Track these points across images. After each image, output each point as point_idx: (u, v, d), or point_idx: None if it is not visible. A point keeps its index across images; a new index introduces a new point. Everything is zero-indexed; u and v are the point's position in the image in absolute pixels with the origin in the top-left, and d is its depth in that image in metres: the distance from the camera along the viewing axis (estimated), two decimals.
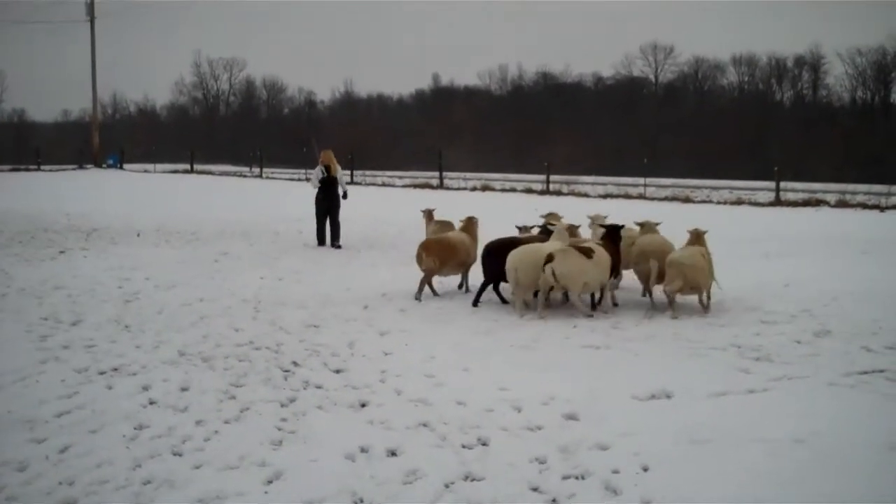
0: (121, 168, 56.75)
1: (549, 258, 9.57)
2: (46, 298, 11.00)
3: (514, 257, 10.00)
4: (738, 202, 28.30)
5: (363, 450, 5.69)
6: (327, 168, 17.13)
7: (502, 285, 10.99)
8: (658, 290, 10.58)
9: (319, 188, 17.22)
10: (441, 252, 11.38)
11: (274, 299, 11.05)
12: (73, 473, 5.29)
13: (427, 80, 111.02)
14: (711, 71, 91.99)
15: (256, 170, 50.87)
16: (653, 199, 30.08)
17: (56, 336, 8.89)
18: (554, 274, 9.51)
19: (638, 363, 7.87)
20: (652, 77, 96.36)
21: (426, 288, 11.38)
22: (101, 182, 38.10)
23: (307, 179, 39.39)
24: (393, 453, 5.66)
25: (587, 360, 8.00)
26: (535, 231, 12.28)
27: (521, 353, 8.27)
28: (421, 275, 11.31)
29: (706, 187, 36.01)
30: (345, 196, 17.43)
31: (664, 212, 24.89)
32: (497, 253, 10.59)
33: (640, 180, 34.60)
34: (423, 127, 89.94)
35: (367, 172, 43.98)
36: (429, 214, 14.52)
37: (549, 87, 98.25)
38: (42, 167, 54.13)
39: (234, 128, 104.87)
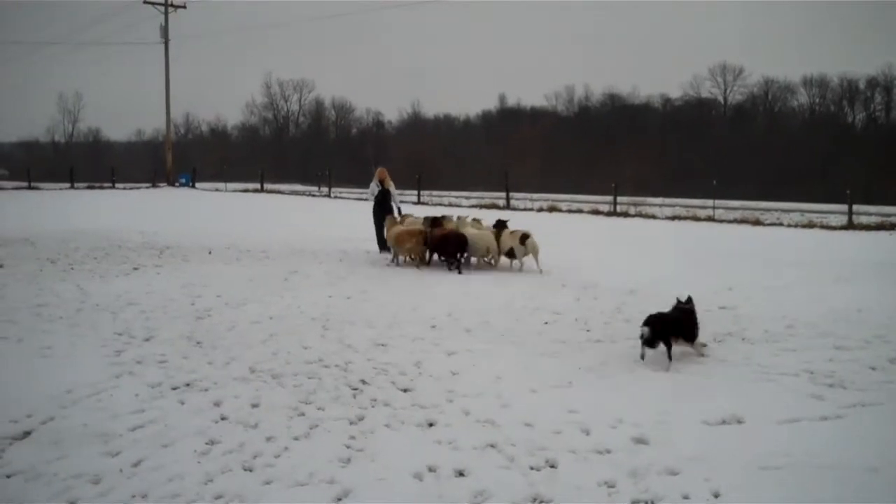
0: (193, 187, 57.64)
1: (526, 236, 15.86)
2: (120, 314, 11.20)
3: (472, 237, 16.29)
4: (810, 225, 27.79)
5: (431, 469, 5.70)
6: (381, 182, 19.53)
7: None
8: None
9: (376, 201, 19.54)
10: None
11: (342, 318, 11.12)
12: (145, 487, 5.38)
13: (494, 100, 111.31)
14: (782, 92, 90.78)
15: (325, 189, 51.27)
16: (722, 221, 29.66)
17: (130, 351, 9.05)
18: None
19: (708, 387, 7.76)
20: (721, 98, 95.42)
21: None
22: (174, 200, 38.75)
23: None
24: (461, 473, 5.66)
25: (656, 384, 7.91)
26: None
27: (589, 376, 8.21)
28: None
29: (776, 210, 35.45)
30: (399, 209, 19.23)
31: (733, 234, 24.61)
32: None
33: (709, 202, 34.18)
34: (489, 147, 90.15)
35: (434, 192, 44.10)
36: (391, 220, 17.94)
37: (616, 109, 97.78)
38: (117, 185, 55.33)
39: (303, 148, 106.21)
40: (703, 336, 9.90)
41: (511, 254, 16.38)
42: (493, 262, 16.85)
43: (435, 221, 17.30)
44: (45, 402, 7.09)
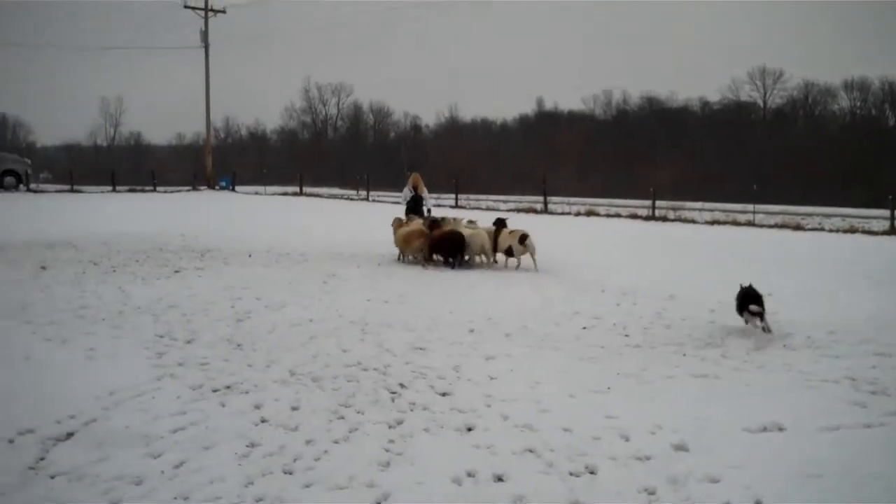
0: (233, 190, 58.14)
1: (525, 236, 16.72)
2: (162, 316, 11.30)
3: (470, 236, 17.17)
4: (852, 230, 27.49)
5: (470, 474, 5.70)
6: (415, 188, 20.61)
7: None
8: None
9: (408, 206, 20.56)
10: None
11: (380, 321, 11.16)
12: (187, 489, 5.42)
13: (531, 104, 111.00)
14: (822, 96, 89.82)
15: (363, 193, 51.48)
16: (762, 226, 29.44)
17: (171, 353, 9.12)
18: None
19: (748, 394, 7.70)
20: (760, 102, 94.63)
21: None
22: (215, 203, 39.07)
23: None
24: (500, 478, 5.65)
25: (696, 390, 7.86)
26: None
27: (628, 381, 8.17)
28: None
29: (817, 214, 35.16)
30: (429, 212, 20.12)
31: (774, 239, 24.39)
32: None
33: (749, 206, 33.94)
34: (526, 151, 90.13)
35: (472, 196, 44.16)
36: (398, 222, 18.81)
37: (654, 112, 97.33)
38: (158, 188, 55.91)
39: (341, 151, 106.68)
40: (743, 343, 9.88)
41: (510, 252, 17.23)
42: (486, 260, 17.65)
43: (434, 223, 18.18)
44: (88, 403, 7.16)
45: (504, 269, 17.01)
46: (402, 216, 19.72)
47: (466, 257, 17.55)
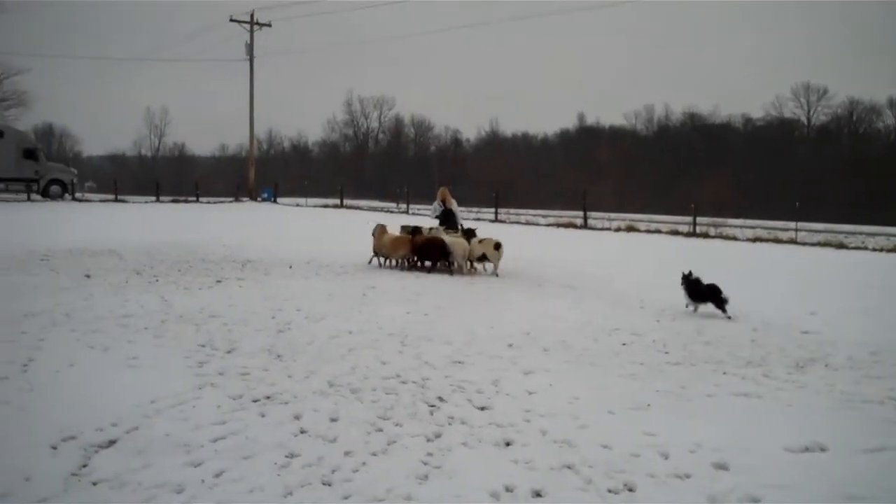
0: (275, 202, 58.55)
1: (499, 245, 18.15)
2: (203, 326, 11.39)
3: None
4: (895, 249, 27.17)
5: (508, 489, 5.69)
6: (443, 202, 20.98)
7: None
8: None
9: (440, 219, 20.86)
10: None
11: (420, 334, 11.17)
12: (227, 498, 5.45)
13: (572, 119, 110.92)
14: (867, 114, 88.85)
15: (403, 206, 51.63)
16: (804, 243, 29.16)
17: (212, 363, 9.19)
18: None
19: (790, 414, 7.62)
20: (804, 119, 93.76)
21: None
22: (256, 215, 39.35)
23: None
24: (538, 494, 5.64)
25: (737, 409, 7.79)
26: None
27: (668, 399, 8.11)
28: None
29: (861, 233, 34.73)
30: (461, 226, 20.43)
31: (816, 257, 24.14)
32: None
33: (791, 224, 33.63)
34: (567, 166, 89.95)
35: (511, 210, 44.13)
36: (381, 228, 19.58)
37: (696, 128, 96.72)
38: (200, 199, 56.45)
39: (382, 164, 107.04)
40: (784, 362, 9.77)
41: (482, 259, 18.60)
42: (466, 266, 18.69)
43: (415, 230, 19.42)
44: (130, 411, 7.23)
45: (527, 284, 16.92)
46: (383, 222, 20.58)
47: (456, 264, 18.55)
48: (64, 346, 9.78)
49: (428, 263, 18.89)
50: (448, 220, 20.77)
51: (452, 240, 18.70)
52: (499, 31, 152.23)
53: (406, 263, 19.24)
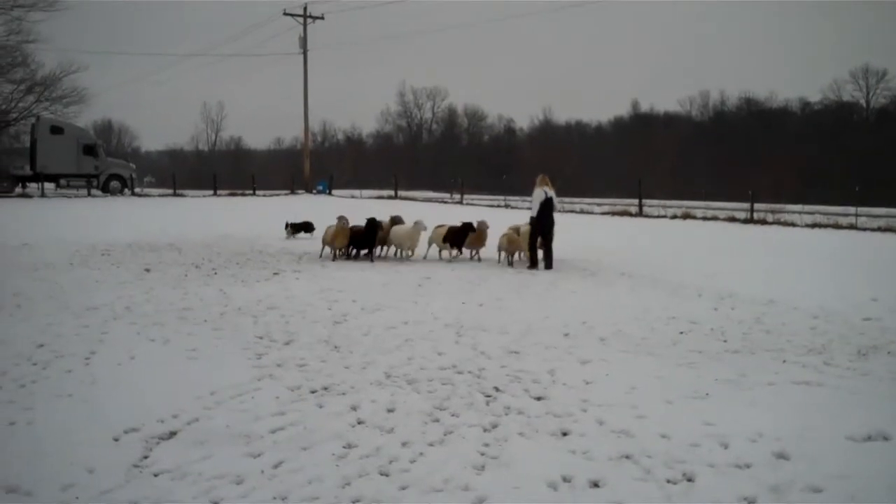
0: (329, 194, 58.84)
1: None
2: (261, 318, 11.51)
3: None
4: None
5: (565, 479, 5.66)
6: (546, 188, 17.83)
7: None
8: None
9: (541, 209, 17.68)
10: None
11: (475, 324, 11.17)
12: (285, 489, 5.49)
13: (626, 106, 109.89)
14: None
15: (457, 196, 51.63)
16: (864, 229, 28.53)
17: (270, 354, 9.28)
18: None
19: (852, 402, 7.47)
20: (863, 102, 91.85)
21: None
22: (312, 207, 39.54)
23: (506, 206, 39.87)
24: (595, 484, 5.60)
25: (798, 397, 7.67)
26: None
27: (727, 387, 8.00)
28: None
29: None
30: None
31: (877, 243, 23.70)
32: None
33: (851, 209, 32.99)
34: (621, 154, 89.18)
35: (566, 199, 43.87)
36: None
37: (752, 113, 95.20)
38: (257, 192, 56.94)
39: (435, 155, 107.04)
40: (845, 348, 9.61)
41: (455, 245, 19.37)
42: (409, 254, 19.81)
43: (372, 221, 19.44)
44: (190, 402, 7.34)
45: (582, 273, 16.79)
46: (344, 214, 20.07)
47: (392, 250, 20.10)
48: (125, 340, 9.96)
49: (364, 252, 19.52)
50: (546, 210, 17.73)
51: (397, 228, 19.64)
52: (550, 20, 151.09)
53: (346, 253, 19.57)
